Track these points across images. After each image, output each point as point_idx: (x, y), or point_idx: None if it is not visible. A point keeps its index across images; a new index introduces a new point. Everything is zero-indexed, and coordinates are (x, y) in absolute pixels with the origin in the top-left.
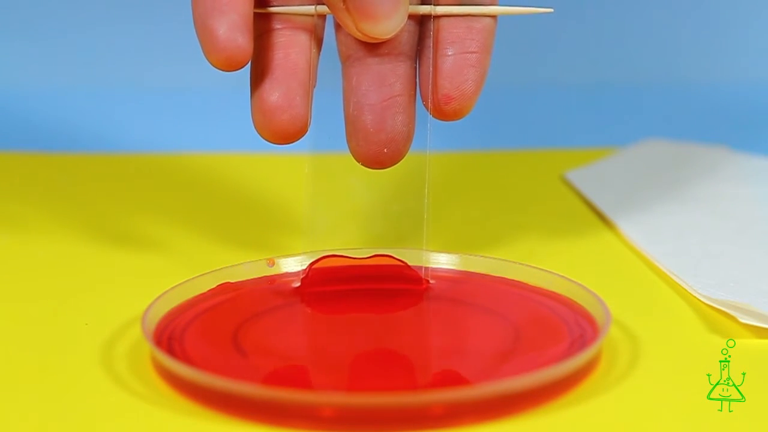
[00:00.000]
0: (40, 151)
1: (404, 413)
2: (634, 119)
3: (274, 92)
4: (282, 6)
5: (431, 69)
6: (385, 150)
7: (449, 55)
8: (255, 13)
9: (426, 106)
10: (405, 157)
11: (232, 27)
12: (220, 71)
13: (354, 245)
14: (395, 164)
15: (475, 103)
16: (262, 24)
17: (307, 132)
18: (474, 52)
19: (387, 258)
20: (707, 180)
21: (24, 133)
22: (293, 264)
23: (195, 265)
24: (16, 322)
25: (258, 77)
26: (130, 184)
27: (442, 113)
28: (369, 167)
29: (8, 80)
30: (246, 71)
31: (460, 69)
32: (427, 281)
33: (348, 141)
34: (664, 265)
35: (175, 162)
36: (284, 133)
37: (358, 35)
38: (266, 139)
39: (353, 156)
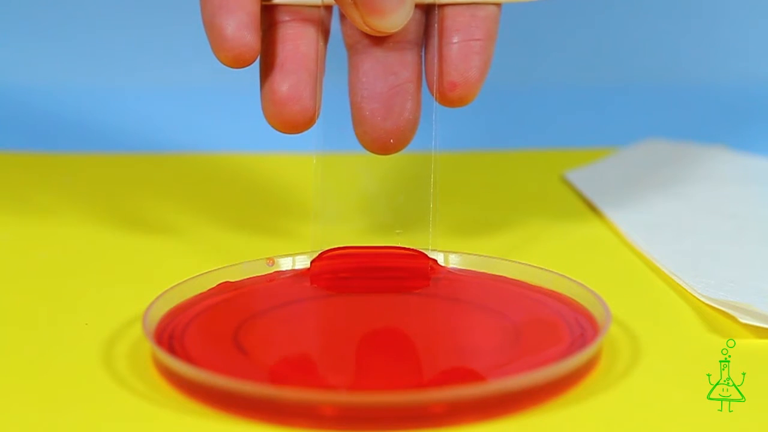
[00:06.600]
0: (42, 151)
1: (405, 412)
2: (634, 119)
3: (284, 83)
4: None
5: (436, 57)
6: (392, 139)
7: (454, 43)
8: (263, 7)
9: (432, 93)
10: (410, 150)
11: (240, 25)
12: (230, 68)
13: (361, 234)
14: (401, 150)
15: (480, 90)
16: (270, 17)
17: (316, 122)
18: (478, 40)
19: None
20: (707, 180)
21: (24, 133)
22: (292, 263)
23: (200, 262)
24: (16, 322)
25: (268, 69)
26: (134, 183)
27: (447, 100)
28: (375, 153)
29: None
30: (256, 69)
31: (465, 56)
32: (435, 261)
33: (355, 128)
34: (664, 265)
35: (183, 161)
36: (294, 123)
37: (366, 29)
38: (276, 129)
39: (360, 142)
